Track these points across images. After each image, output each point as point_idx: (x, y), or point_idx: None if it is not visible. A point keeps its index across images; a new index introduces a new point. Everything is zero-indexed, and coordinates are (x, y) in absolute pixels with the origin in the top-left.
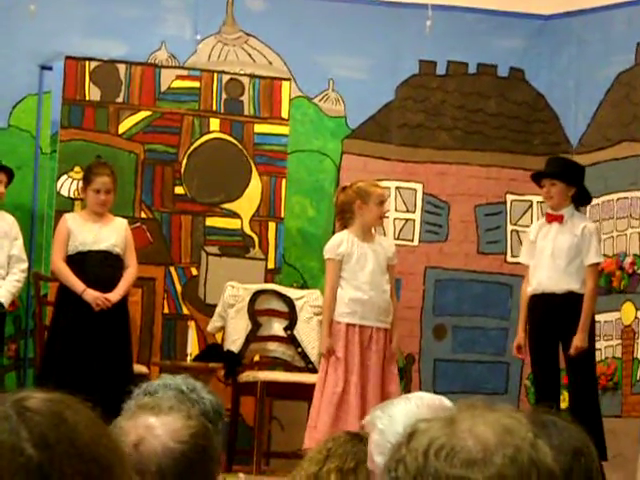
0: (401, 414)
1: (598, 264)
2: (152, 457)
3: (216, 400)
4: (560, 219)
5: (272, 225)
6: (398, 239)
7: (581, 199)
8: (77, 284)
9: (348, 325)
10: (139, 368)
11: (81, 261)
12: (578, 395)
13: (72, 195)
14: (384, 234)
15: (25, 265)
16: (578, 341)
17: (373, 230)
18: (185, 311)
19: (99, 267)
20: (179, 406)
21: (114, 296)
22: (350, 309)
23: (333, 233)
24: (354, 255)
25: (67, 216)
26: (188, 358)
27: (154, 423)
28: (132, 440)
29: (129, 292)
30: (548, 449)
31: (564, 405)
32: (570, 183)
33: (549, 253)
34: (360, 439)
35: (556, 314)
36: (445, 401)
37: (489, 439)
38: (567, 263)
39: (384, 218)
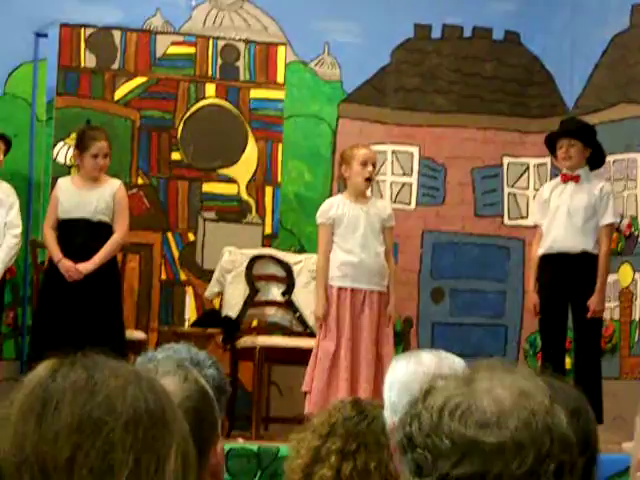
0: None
1: (613, 224)
2: None
3: (219, 376)
4: (577, 179)
5: (269, 190)
6: (395, 203)
7: (594, 162)
8: (55, 253)
9: (340, 289)
10: (137, 334)
11: (63, 229)
12: (583, 357)
13: (68, 162)
14: (380, 197)
15: (18, 230)
16: (595, 304)
17: (369, 192)
18: (182, 277)
19: (77, 235)
20: (175, 370)
21: (85, 267)
22: (341, 272)
23: (330, 197)
24: (345, 218)
25: (59, 181)
26: (186, 324)
27: None
28: None
29: (118, 258)
30: (564, 415)
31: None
32: (587, 144)
33: (565, 211)
34: (361, 412)
35: (569, 274)
36: (444, 362)
37: (505, 402)
38: (583, 222)
39: (371, 180)
